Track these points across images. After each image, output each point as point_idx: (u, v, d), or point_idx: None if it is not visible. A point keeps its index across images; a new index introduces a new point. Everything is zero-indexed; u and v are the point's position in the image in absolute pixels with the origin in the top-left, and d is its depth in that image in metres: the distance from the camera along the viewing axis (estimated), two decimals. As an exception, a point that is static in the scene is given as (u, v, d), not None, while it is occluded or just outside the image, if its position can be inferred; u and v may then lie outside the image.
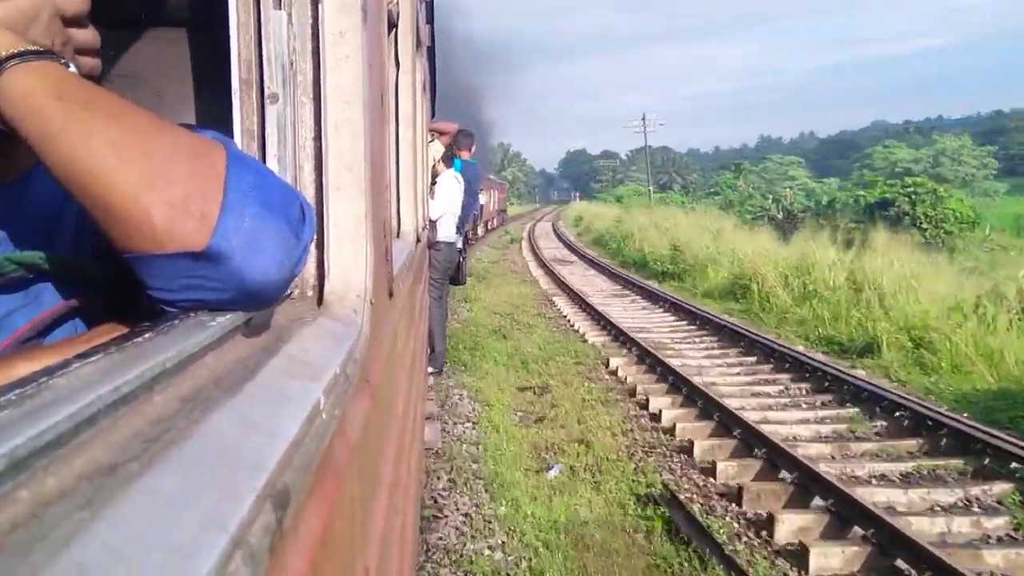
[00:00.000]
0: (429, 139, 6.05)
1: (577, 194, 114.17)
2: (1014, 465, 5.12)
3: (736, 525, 4.62)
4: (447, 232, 6.87)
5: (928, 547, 3.82)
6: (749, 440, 5.63)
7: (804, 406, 6.90)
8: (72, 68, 0.67)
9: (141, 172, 0.61)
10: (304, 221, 0.71)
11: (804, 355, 8.35)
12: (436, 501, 4.78)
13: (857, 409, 6.57)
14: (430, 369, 6.70)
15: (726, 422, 6.09)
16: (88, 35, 0.76)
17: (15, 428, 0.34)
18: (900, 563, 3.91)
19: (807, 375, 7.70)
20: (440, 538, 4.35)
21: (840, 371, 7.53)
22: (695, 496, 5.04)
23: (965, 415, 6.28)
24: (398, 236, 2.37)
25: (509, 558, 4.16)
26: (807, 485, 4.79)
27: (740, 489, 4.93)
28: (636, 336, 9.47)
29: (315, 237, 0.84)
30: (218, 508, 0.38)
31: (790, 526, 4.43)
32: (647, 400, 7.04)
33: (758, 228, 23.40)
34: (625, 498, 4.98)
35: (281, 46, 0.84)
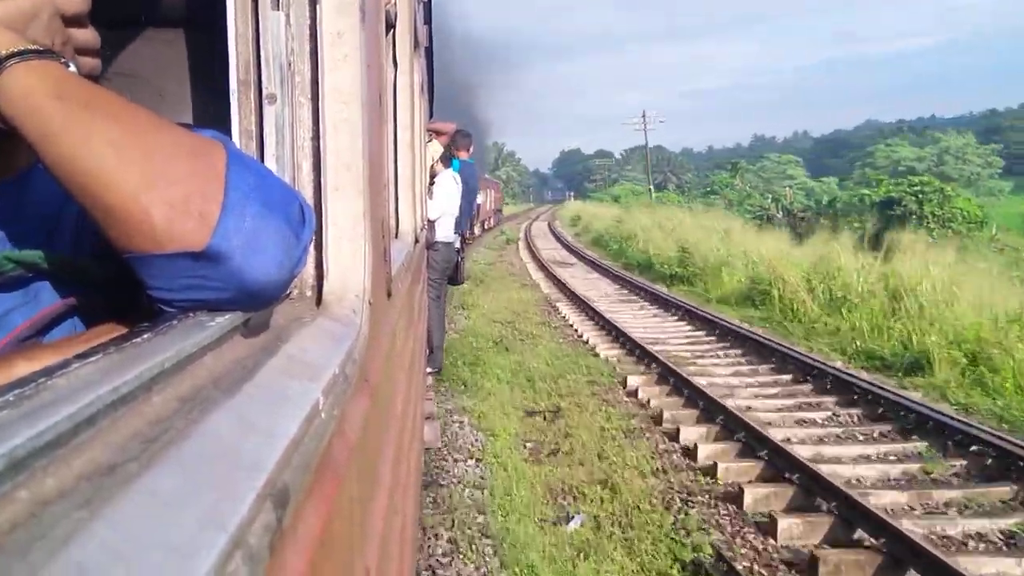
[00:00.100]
0: (427, 139, 6.04)
1: (572, 194, 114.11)
2: None
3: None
4: (445, 232, 6.87)
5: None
6: (809, 486, 4.75)
7: (860, 438, 6.01)
8: (72, 68, 0.67)
9: (141, 172, 0.61)
10: (304, 221, 0.71)
11: (846, 373, 7.42)
12: (434, 573, 3.98)
13: (926, 443, 5.66)
14: (429, 369, 6.69)
15: (775, 461, 5.21)
16: (88, 35, 0.76)
17: (14, 428, 0.34)
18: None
19: (855, 397, 6.76)
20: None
21: (893, 393, 6.64)
22: (755, 565, 4.10)
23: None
24: (396, 236, 2.37)
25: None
26: (896, 553, 3.91)
27: (814, 560, 3.96)
28: (652, 349, 8.63)
29: (314, 237, 0.84)
30: (217, 508, 0.38)
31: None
32: (677, 430, 6.14)
33: (768, 228, 22.55)
34: (667, 566, 4.09)
35: (279, 46, 0.84)
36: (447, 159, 6.93)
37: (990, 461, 5.23)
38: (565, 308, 12.64)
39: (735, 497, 4.91)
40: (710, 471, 5.34)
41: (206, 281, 0.64)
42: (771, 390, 7.42)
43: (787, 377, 7.75)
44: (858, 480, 5.17)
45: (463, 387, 7.41)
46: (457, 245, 7.51)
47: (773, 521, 4.45)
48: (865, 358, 8.76)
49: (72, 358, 0.46)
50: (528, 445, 5.91)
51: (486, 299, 13.24)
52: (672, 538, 4.38)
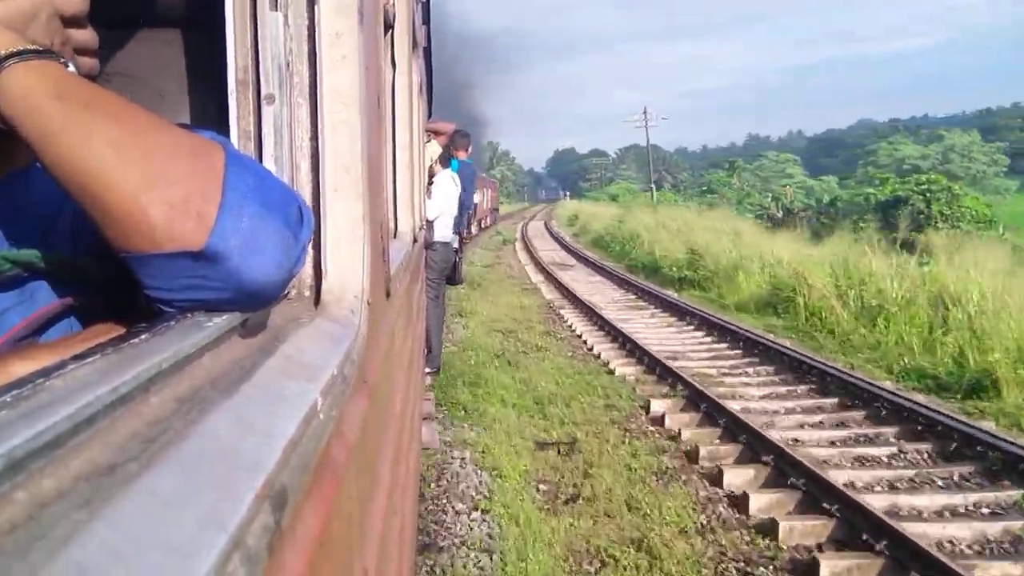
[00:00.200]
0: (426, 139, 6.04)
1: (567, 193, 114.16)
2: None
3: None
4: (443, 232, 6.87)
5: None
6: (897, 555, 3.89)
7: (940, 483, 5.06)
8: (71, 68, 0.68)
9: (141, 172, 0.61)
10: (302, 222, 0.71)
11: (902, 397, 6.52)
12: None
13: (1021, 491, 4.75)
14: (427, 369, 6.69)
15: (847, 515, 4.32)
16: (87, 35, 0.76)
17: (13, 429, 0.34)
18: None
19: (919, 428, 5.84)
20: None
21: (965, 424, 5.70)
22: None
23: None
24: (395, 236, 2.37)
25: None
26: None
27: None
28: (673, 366, 7.77)
29: (312, 238, 0.84)
30: (216, 508, 0.39)
31: None
32: (719, 472, 5.23)
33: (780, 227, 22.27)
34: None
35: (278, 47, 0.84)
36: (446, 159, 6.94)
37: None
38: (570, 315, 11.97)
39: (806, 570, 4.01)
40: (768, 530, 4.43)
41: (204, 281, 0.64)
42: (816, 417, 6.48)
43: (831, 401, 6.81)
44: (951, 543, 4.25)
45: (463, 412, 6.53)
46: (455, 245, 7.51)
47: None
48: (916, 377, 7.79)
49: (70, 359, 0.46)
50: (542, 488, 5.10)
51: (484, 305, 12.48)
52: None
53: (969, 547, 4.24)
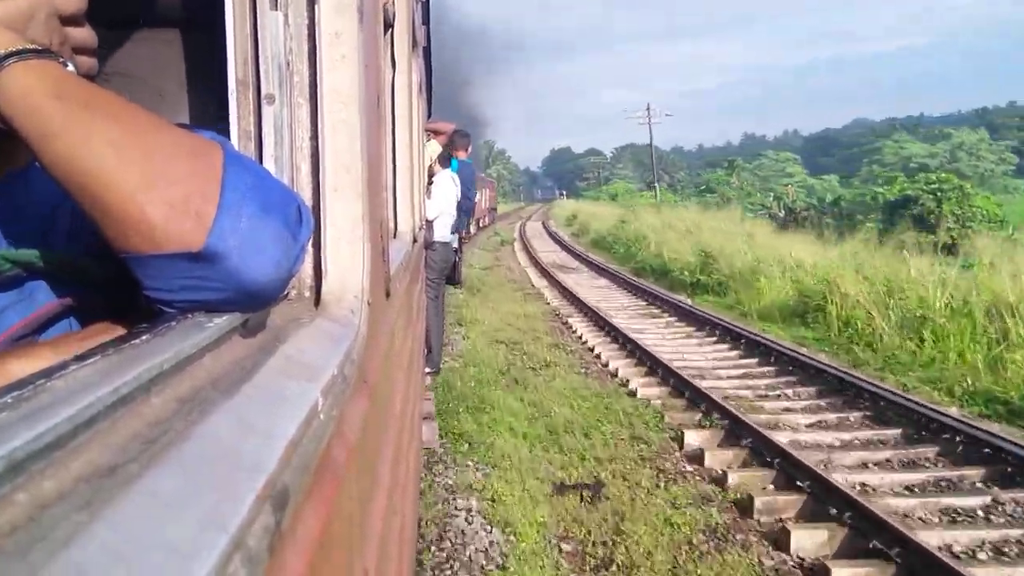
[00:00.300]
0: (425, 139, 6.05)
1: (563, 192, 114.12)
2: None
3: None
4: (443, 232, 6.88)
5: None
6: None
7: None
8: (70, 67, 0.67)
9: (141, 172, 0.61)
10: (301, 222, 0.71)
11: (977, 428, 5.55)
12: None
13: None
14: (427, 369, 6.69)
15: None
16: (85, 34, 0.76)
17: (13, 430, 0.34)
18: None
19: (1010, 470, 4.91)
20: None
21: None
22: None
23: None
24: (395, 236, 2.37)
25: None
26: None
27: None
28: (703, 387, 6.86)
29: (312, 238, 0.84)
30: (217, 509, 0.38)
31: None
32: (783, 531, 4.26)
33: (792, 228, 21.75)
34: None
35: (277, 47, 0.84)
36: (445, 159, 6.94)
37: None
38: (578, 324, 11.00)
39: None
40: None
41: (204, 281, 0.64)
42: (881, 454, 5.51)
43: (894, 432, 5.85)
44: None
45: (467, 447, 5.57)
46: (455, 245, 7.51)
47: None
48: (983, 402, 6.78)
49: (71, 359, 0.45)
50: (565, 549, 4.22)
51: (485, 312, 11.57)
52: None
53: None
